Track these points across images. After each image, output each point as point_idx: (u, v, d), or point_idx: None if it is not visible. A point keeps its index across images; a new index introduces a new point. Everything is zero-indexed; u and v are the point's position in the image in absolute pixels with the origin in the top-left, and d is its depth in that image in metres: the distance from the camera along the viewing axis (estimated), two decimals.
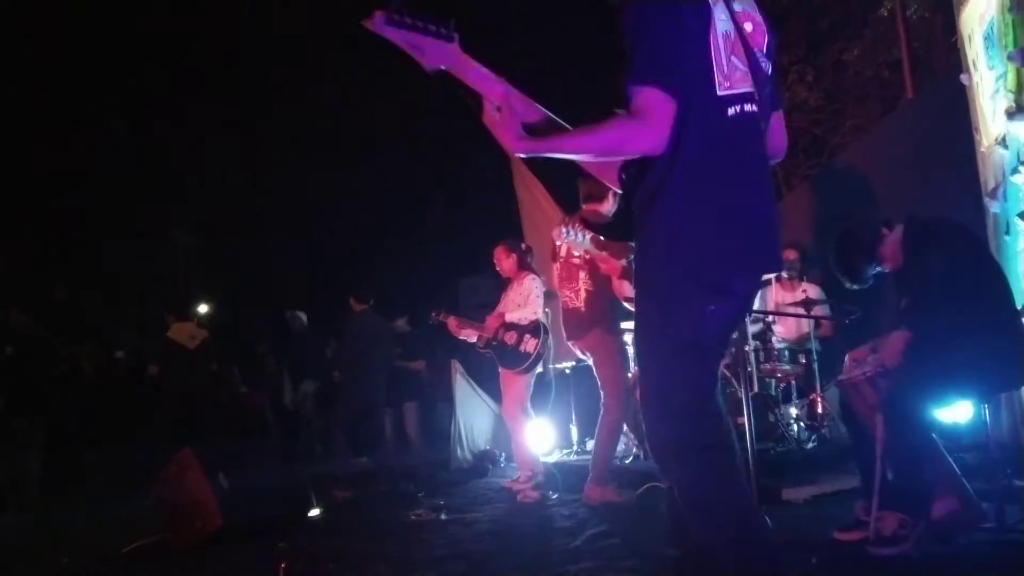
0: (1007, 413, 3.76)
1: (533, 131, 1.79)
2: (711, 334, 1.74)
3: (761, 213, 1.74)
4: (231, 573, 3.58)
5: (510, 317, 5.20)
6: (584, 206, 4.40)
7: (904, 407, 2.77)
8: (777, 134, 1.91)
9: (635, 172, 1.75)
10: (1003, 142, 3.66)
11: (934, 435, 2.87)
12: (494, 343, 5.20)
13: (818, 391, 5.25)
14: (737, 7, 1.76)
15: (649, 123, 1.61)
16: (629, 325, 4.51)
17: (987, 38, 3.80)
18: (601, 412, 4.46)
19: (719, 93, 1.68)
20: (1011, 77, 3.51)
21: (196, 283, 16.61)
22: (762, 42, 1.80)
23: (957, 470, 2.92)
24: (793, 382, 5.43)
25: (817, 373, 5.29)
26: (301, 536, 4.14)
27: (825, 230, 6.37)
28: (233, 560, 3.73)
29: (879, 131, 7.22)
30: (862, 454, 3.05)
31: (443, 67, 1.74)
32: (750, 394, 3.84)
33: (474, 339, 5.36)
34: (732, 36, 1.71)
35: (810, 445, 5.02)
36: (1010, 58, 3.45)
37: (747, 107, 1.71)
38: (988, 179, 3.94)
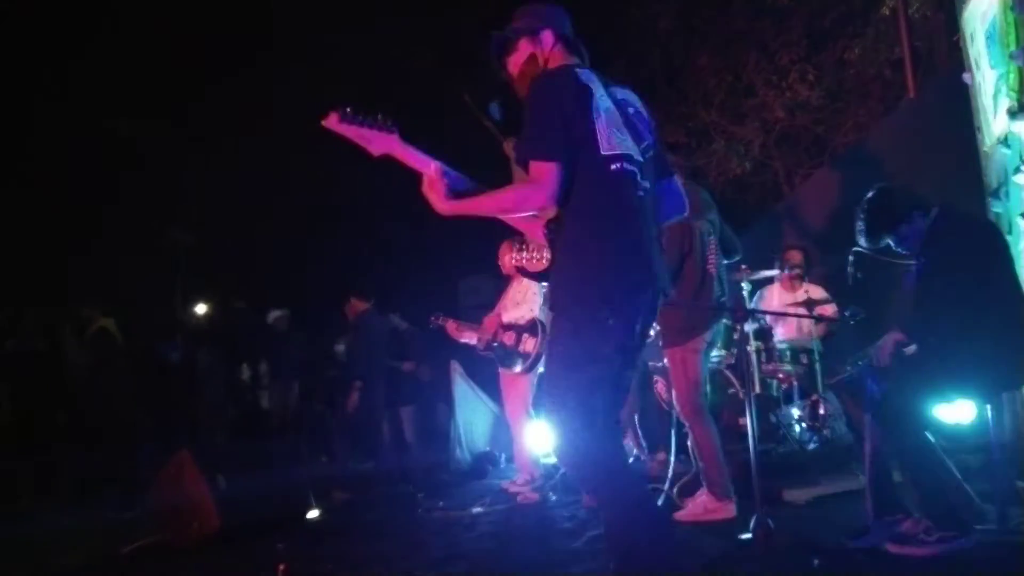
0: (1010, 414, 3.74)
1: (461, 195, 2.23)
2: (611, 344, 2.10)
3: (637, 241, 2.14)
4: (229, 574, 3.57)
5: (507, 317, 5.18)
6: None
7: (900, 407, 2.75)
8: (674, 196, 2.38)
9: (555, 226, 2.17)
10: (1005, 141, 3.64)
11: (930, 435, 2.85)
12: (494, 344, 5.18)
13: (819, 392, 5.22)
14: (619, 96, 2.25)
15: (540, 187, 2.07)
16: None
17: (989, 37, 3.78)
18: None
19: (603, 153, 2.10)
20: (1013, 76, 3.48)
21: (195, 282, 16.57)
22: (644, 121, 2.28)
23: (956, 471, 2.91)
24: (795, 383, 5.40)
25: (819, 374, 5.27)
26: (300, 537, 4.14)
27: (826, 229, 6.36)
28: (231, 561, 3.72)
29: (881, 130, 7.20)
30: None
31: (387, 152, 2.19)
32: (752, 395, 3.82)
33: (474, 341, 5.35)
34: (613, 112, 2.17)
35: (811, 446, 4.99)
36: (1012, 57, 3.43)
37: (626, 165, 2.13)
38: (990, 179, 3.92)
